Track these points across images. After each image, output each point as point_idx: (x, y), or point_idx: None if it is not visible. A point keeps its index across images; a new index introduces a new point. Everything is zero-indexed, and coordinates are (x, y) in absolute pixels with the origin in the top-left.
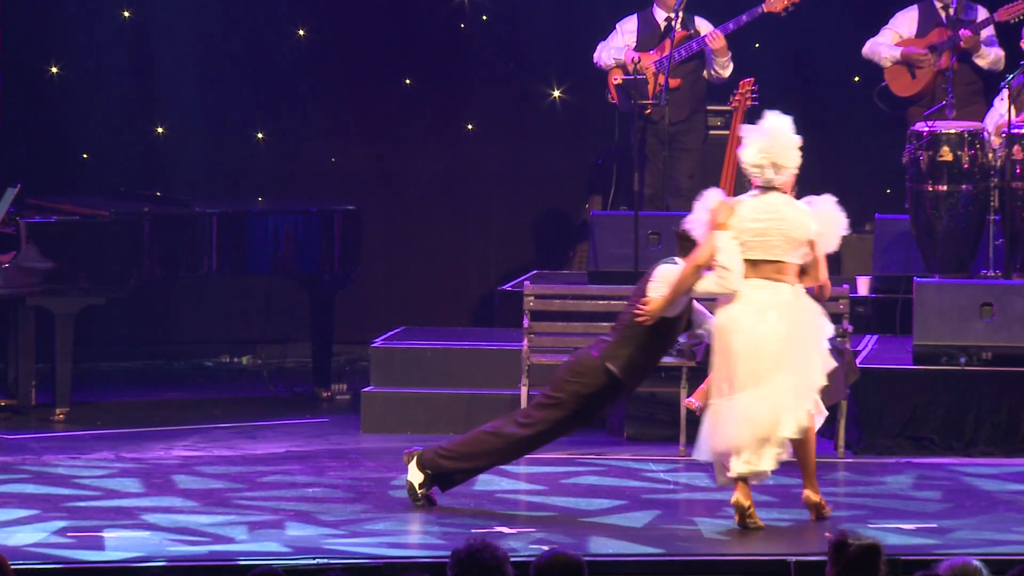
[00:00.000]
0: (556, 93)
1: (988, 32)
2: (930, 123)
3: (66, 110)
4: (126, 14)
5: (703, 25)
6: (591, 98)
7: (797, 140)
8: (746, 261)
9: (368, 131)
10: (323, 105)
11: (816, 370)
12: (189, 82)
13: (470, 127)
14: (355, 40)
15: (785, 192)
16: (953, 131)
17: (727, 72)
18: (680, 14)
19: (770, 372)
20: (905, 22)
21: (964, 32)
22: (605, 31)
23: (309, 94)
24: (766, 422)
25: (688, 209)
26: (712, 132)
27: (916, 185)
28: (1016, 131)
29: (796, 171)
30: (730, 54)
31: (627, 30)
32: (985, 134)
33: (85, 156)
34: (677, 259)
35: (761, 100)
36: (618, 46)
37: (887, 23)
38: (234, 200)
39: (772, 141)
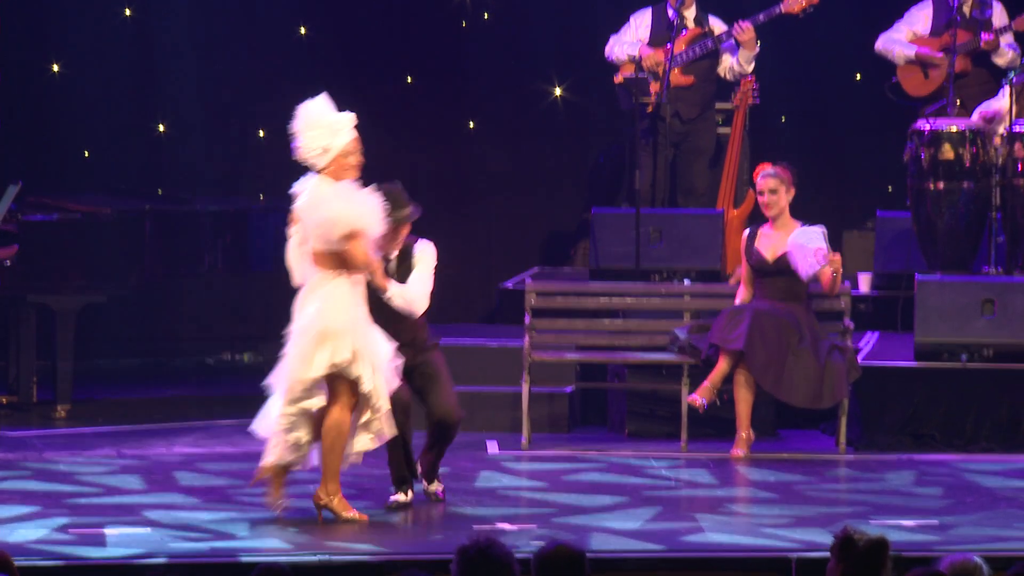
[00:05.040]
0: (557, 91)
1: (1008, 36)
2: (931, 121)
3: (67, 108)
4: (127, 12)
5: (716, 23)
6: (592, 96)
7: (323, 119)
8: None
9: (369, 129)
10: None
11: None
12: (190, 80)
13: (471, 125)
14: (356, 38)
15: (333, 176)
16: (954, 129)
17: (751, 67)
18: (690, 12)
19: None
20: (920, 18)
21: (986, 36)
22: (606, 29)
23: (310, 92)
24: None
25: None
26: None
27: (917, 182)
28: (1017, 129)
29: (336, 153)
30: (758, 49)
31: (641, 24)
32: (990, 131)
33: (87, 154)
34: None
35: (763, 98)
36: (631, 40)
37: (901, 18)
38: (235, 198)
39: (299, 123)
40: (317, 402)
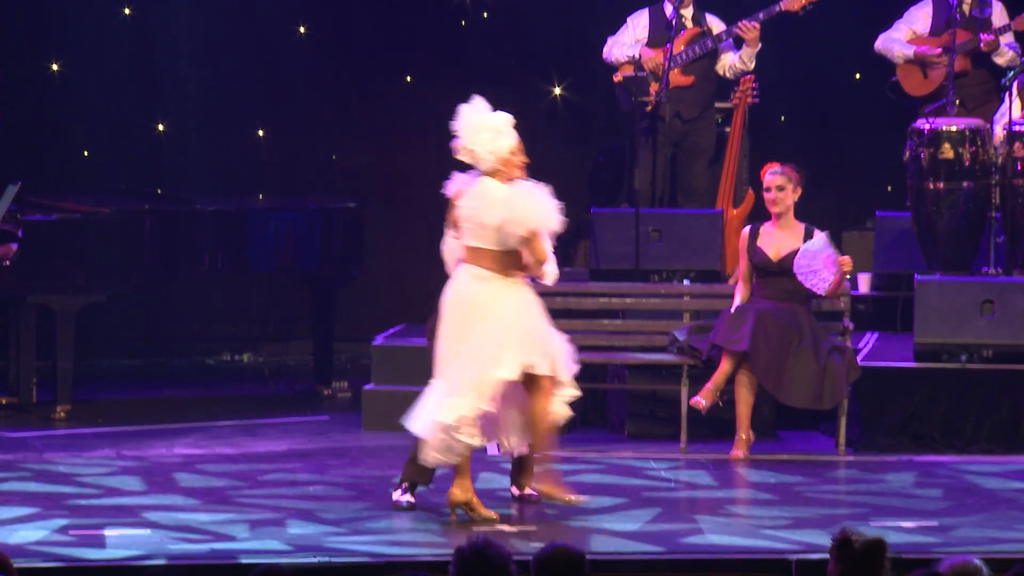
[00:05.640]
0: (557, 91)
1: (1008, 36)
2: (931, 120)
3: (67, 108)
4: (127, 11)
5: (714, 22)
6: (592, 95)
7: (488, 122)
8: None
9: (369, 128)
10: (324, 102)
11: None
12: (190, 79)
13: None
14: (356, 37)
15: (500, 177)
16: (954, 128)
17: (752, 64)
18: (688, 11)
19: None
20: (919, 18)
21: (986, 36)
22: (606, 28)
23: (310, 91)
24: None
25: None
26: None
27: (917, 182)
28: (1017, 128)
29: (504, 155)
30: (760, 46)
31: (639, 25)
32: (989, 130)
33: (86, 154)
34: None
35: (762, 97)
36: (628, 41)
37: (901, 17)
38: (235, 198)
39: (464, 127)
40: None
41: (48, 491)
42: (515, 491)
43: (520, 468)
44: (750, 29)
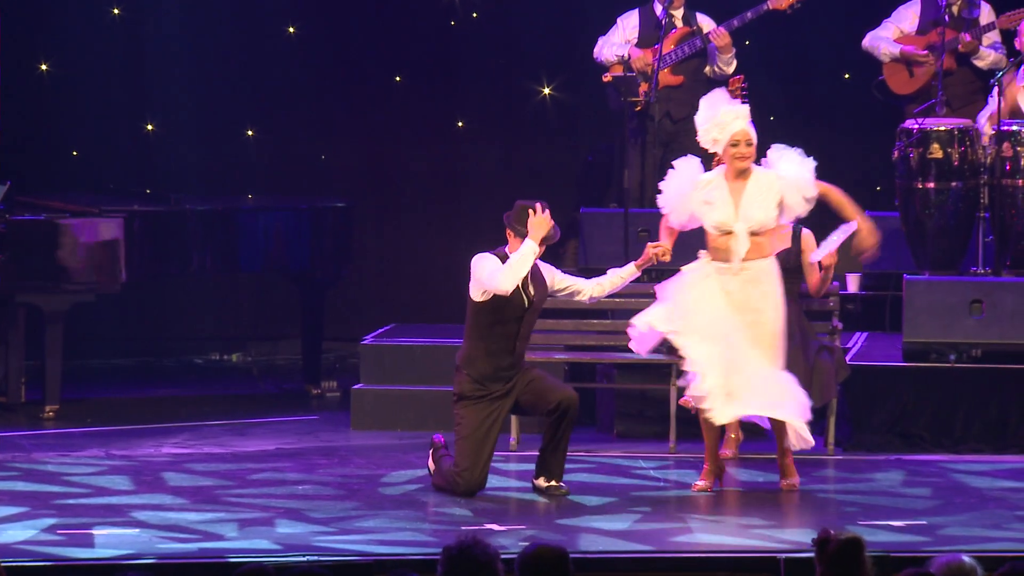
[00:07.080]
0: (546, 90)
1: (992, 36)
2: (920, 120)
3: (56, 107)
4: (116, 12)
5: (705, 22)
6: (581, 95)
7: None
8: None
9: (358, 128)
10: (313, 102)
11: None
12: (179, 79)
13: (460, 124)
14: (345, 37)
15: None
16: (943, 128)
17: (731, 69)
18: (678, 11)
19: None
20: (907, 16)
21: (964, 36)
22: (596, 27)
23: (299, 91)
24: None
25: None
26: None
27: (906, 182)
28: (1006, 128)
29: None
30: (735, 51)
31: (629, 25)
32: (977, 130)
33: (75, 153)
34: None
35: (751, 97)
36: (619, 41)
37: (889, 16)
38: (224, 197)
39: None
40: None
41: (36, 490)
42: (542, 482)
43: (552, 459)
44: (720, 36)
